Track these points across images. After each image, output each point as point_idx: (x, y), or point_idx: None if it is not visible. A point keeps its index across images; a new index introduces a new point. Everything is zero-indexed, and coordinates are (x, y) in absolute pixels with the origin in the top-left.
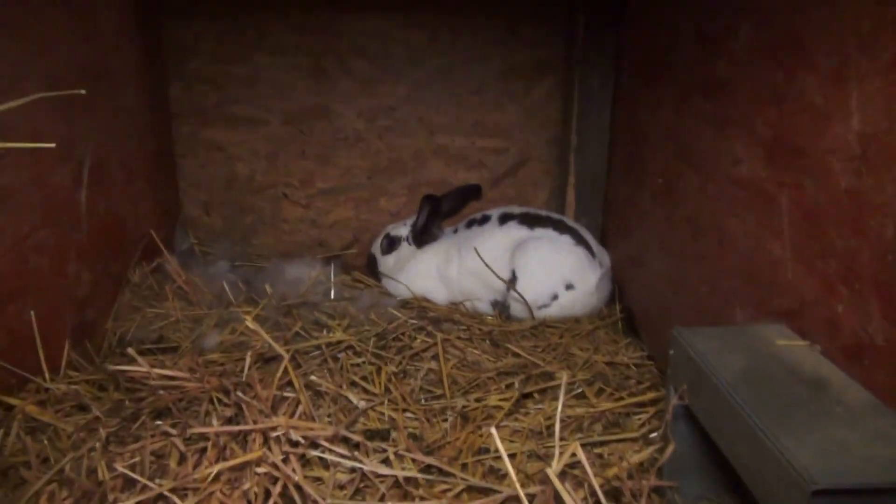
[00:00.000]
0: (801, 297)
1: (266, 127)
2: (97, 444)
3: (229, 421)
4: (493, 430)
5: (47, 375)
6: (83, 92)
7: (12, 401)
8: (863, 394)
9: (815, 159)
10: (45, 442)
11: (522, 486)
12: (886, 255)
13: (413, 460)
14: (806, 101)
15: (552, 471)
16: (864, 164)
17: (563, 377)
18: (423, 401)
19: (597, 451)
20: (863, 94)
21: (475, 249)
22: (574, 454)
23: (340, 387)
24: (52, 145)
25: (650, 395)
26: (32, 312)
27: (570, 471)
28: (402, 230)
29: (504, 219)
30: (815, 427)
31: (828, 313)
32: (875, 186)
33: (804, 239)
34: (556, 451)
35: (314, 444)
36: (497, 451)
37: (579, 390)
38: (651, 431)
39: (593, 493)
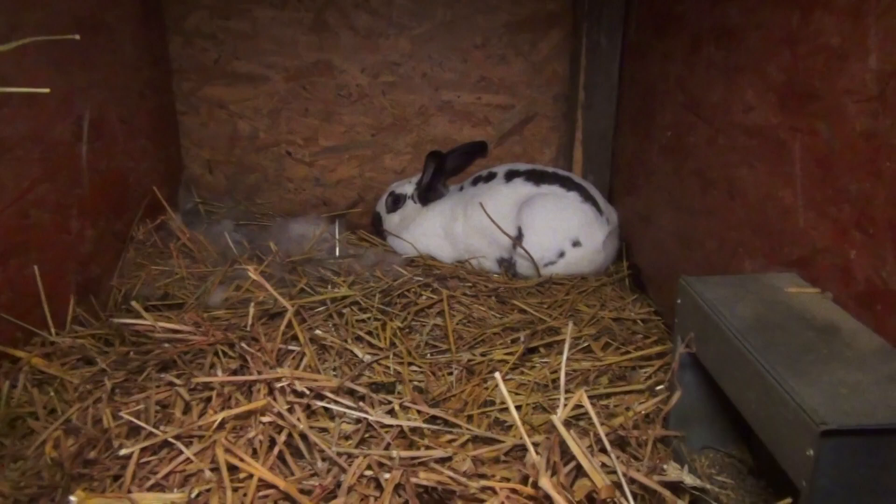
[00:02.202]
0: (812, 245)
1: (268, 83)
2: (103, 395)
3: (234, 373)
4: (498, 376)
5: (53, 330)
6: (77, 37)
7: (18, 353)
8: (874, 339)
9: (830, 102)
10: (52, 394)
11: (528, 436)
12: None
13: (418, 412)
14: (822, 43)
15: (557, 418)
16: (882, 104)
17: (570, 326)
18: (428, 355)
19: (602, 402)
20: (881, 30)
21: (481, 206)
22: (580, 404)
23: (346, 341)
24: (47, 90)
25: (657, 349)
26: (36, 267)
27: (576, 422)
28: (408, 188)
29: (510, 176)
30: (824, 371)
31: (840, 260)
32: (893, 126)
33: (817, 185)
34: (562, 400)
35: (319, 396)
36: (503, 403)
37: (585, 345)
38: (657, 384)
39: (599, 442)
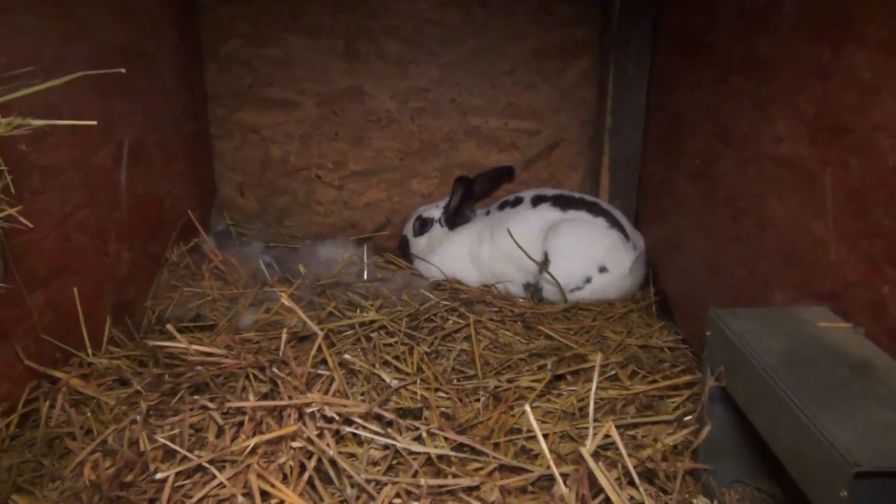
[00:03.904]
0: (844, 279)
1: (299, 109)
2: (138, 417)
3: (265, 397)
4: (528, 408)
5: (90, 351)
6: (123, 70)
7: (57, 374)
8: None
9: (862, 136)
10: (89, 414)
11: (555, 466)
12: None
13: (445, 439)
14: (853, 77)
15: (586, 450)
16: None
17: (598, 357)
18: (455, 381)
19: (630, 433)
20: None
21: (508, 231)
22: (608, 435)
23: (373, 366)
24: (94, 122)
25: (685, 379)
26: (75, 289)
27: (603, 452)
28: (435, 212)
29: (537, 201)
30: (858, 409)
31: (872, 295)
32: None
33: (849, 218)
34: (591, 431)
35: (348, 421)
36: (529, 431)
37: (612, 373)
38: (685, 414)
39: (627, 474)
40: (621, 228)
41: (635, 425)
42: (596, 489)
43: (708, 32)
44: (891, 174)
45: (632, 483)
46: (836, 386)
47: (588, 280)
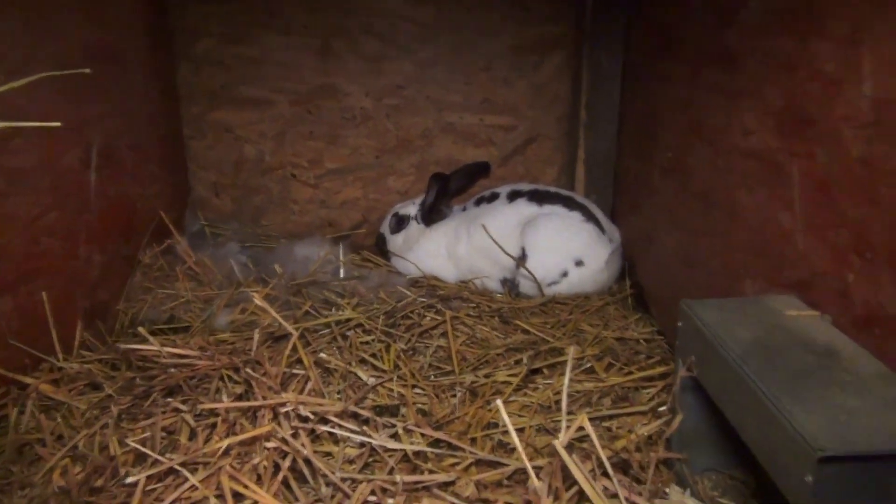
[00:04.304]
0: (811, 268)
1: (273, 108)
2: (109, 421)
3: (239, 398)
4: (499, 402)
5: (60, 355)
6: (88, 71)
7: (26, 380)
8: (873, 363)
9: (827, 128)
10: (59, 420)
11: (531, 459)
12: None
13: (422, 435)
14: (817, 69)
15: (559, 442)
16: (877, 131)
17: (570, 350)
18: (432, 377)
19: (605, 424)
20: (876, 58)
21: (483, 227)
22: (582, 427)
23: (350, 364)
24: (58, 124)
25: (659, 370)
26: (44, 294)
27: (579, 444)
28: (411, 209)
29: (513, 196)
30: (823, 396)
31: (839, 284)
32: (888, 153)
33: (815, 209)
34: (564, 424)
35: (323, 420)
36: (505, 425)
37: (588, 365)
38: (660, 405)
39: (601, 465)
40: (597, 222)
41: (610, 417)
42: (570, 481)
43: (680, 27)
44: (855, 165)
45: (605, 474)
46: (802, 373)
47: (565, 274)
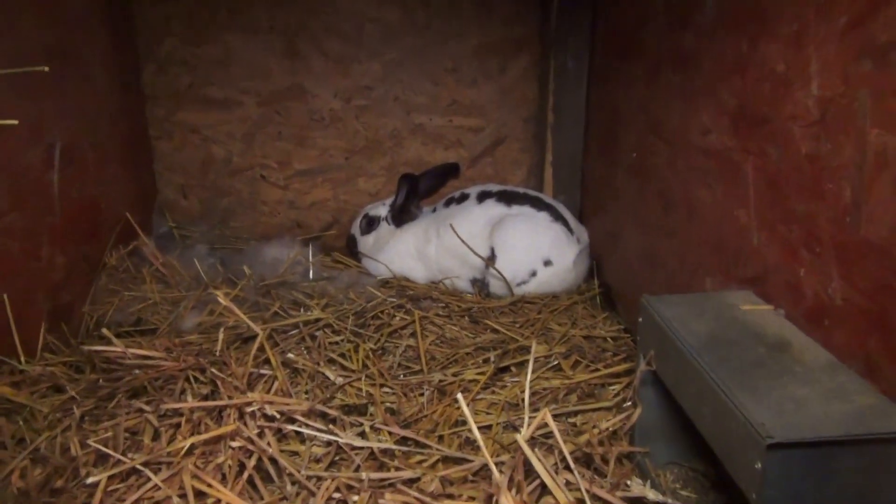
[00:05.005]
0: (765, 263)
1: (241, 108)
2: (72, 423)
3: (205, 398)
4: (459, 396)
5: (22, 358)
6: (46, 69)
7: None
8: (822, 353)
9: (778, 126)
10: (21, 423)
11: (497, 455)
12: (844, 217)
13: (389, 433)
14: (768, 69)
15: (521, 437)
16: (823, 129)
17: (534, 345)
18: (401, 376)
19: (571, 420)
20: (821, 59)
21: (452, 227)
22: (545, 423)
23: (318, 364)
24: (15, 122)
25: (625, 366)
26: (5, 296)
27: (544, 440)
28: (381, 210)
29: (482, 196)
30: (774, 386)
31: (790, 277)
32: (833, 150)
33: (768, 206)
34: (526, 419)
35: (290, 420)
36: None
37: (555, 363)
38: (624, 401)
39: (564, 460)
40: (565, 222)
41: (576, 413)
42: (533, 475)
43: (640, 29)
44: (804, 162)
45: (568, 468)
46: (754, 365)
47: (533, 273)
